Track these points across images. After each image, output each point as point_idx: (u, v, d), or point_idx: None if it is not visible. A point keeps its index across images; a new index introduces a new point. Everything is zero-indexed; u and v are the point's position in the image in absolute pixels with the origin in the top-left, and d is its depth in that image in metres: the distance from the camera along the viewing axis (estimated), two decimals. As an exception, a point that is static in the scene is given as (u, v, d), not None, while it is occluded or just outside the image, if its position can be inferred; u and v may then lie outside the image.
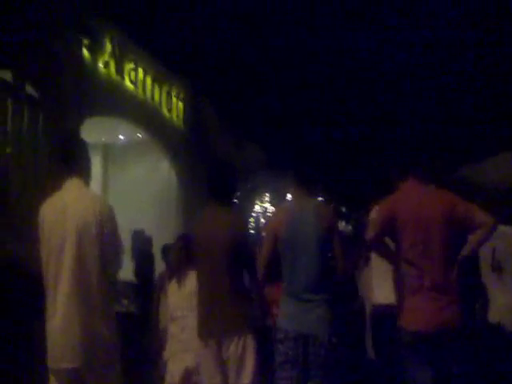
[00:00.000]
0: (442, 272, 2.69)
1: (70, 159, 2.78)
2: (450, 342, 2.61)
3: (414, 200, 2.80)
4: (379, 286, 3.42)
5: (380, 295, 3.41)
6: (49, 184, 2.99)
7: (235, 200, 3.48)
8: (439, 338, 2.62)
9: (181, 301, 3.81)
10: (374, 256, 3.28)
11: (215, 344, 2.97)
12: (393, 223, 2.77)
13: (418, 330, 2.64)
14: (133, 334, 4.21)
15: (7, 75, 6.76)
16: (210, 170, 3.30)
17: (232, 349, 2.94)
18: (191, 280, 3.81)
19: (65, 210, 2.67)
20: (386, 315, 3.05)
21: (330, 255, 2.99)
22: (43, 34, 7.20)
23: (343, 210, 14.65)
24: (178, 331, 3.78)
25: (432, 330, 2.62)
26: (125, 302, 6.02)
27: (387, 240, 2.90)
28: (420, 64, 14.82)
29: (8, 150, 6.79)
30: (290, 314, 2.93)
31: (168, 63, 11.39)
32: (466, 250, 2.76)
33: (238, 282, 3.08)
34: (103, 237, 2.65)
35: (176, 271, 3.95)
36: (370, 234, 2.84)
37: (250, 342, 2.98)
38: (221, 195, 3.18)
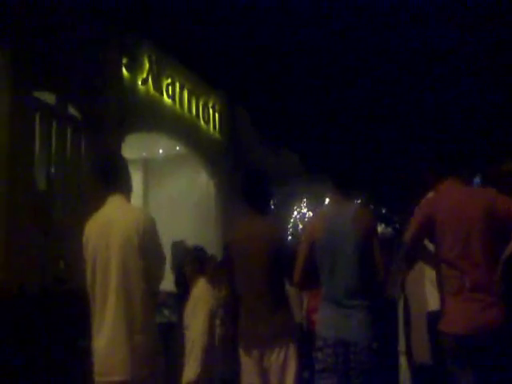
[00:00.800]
0: (483, 272, 2.60)
1: (111, 177, 2.85)
2: (493, 344, 2.52)
3: (454, 199, 2.74)
4: (433, 291, 3.32)
5: (435, 301, 3.31)
6: (92, 202, 3.09)
7: (272, 206, 3.48)
8: (482, 341, 2.53)
9: (188, 310, 3.91)
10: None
11: (258, 354, 2.97)
12: (432, 224, 2.72)
13: (459, 332, 2.57)
14: (175, 344, 4.29)
15: (51, 98, 7.08)
16: (243, 179, 3.32)
17: (274, 358, 2.94)
18: (197, 290, 3.90)
19: (108, 227, 2.73)
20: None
21: (369, 260, 2.94)
22: (83, 56, 7.49)
23: (384, 211, 14.38)
24: (187, 338, 3.87)
25: (474, 332, 2.54)
26: (166, 312, 6.11)
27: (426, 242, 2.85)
28: (462, 60, 14.47)
29: (53, 170, 7.07)
30: (328, 321, 2.89)
31: (203, 75, 11.58)
32: (509, 248, 2.66)
33: (279, 290, 3.08)
34: (146, 249, 2.70)
35: (190, 282, 4.03)
36: (407, 234, 2.79)
37: (292, 351, 2.97)
38: (256, 204, 3.19)
